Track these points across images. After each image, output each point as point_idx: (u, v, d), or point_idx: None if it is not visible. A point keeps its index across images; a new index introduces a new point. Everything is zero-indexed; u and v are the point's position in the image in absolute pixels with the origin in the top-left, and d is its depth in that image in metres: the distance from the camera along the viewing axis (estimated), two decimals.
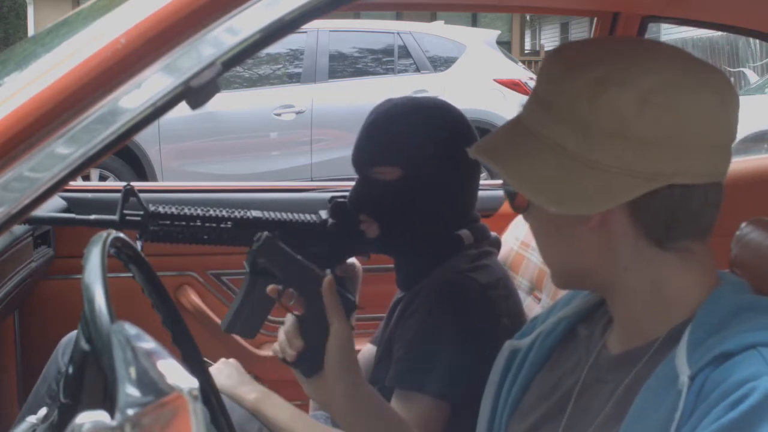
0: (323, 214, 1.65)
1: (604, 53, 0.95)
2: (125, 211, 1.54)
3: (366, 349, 1.78)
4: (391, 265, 1.72)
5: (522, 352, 1.12)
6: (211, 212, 1.58)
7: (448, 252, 1.60)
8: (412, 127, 1.56)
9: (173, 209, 1.57)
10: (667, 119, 0.88)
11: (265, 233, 1.15)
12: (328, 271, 1.16)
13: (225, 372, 1.62)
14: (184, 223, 1.56)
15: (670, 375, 0.87)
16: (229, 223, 1.58)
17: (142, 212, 1.54)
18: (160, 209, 1.56)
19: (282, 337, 1.14)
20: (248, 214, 1.60)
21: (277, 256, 1.17)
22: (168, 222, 1.55)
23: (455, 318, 1.47)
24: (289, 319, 1.15)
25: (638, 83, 0.88)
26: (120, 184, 1.63)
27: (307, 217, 1.63)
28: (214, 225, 1.58)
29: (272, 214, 1.61)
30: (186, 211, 1.57)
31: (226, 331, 1.65)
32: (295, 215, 1.62)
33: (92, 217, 1.59)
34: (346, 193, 1.63)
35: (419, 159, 1.54)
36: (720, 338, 0.86)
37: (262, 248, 1.16)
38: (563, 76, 0.93)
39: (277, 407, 1.51)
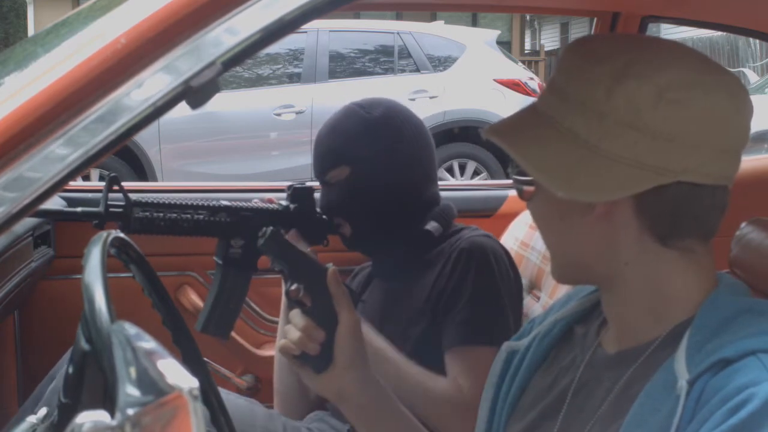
0: (283, 201, 1.77)
1: (625, 47, 0.96)
2: (109, 202, 1.59)
3: None
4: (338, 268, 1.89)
5: (520, 353, 1.12)
6: (187, 201, 1.67)
7: (419, 247, 1.73)
8: (351, 127, 1.70)
9: (153, 199, 1.65)
10: (682, 116, 0.89)
11: (270, 228, 1.16)
12: (330, 263, 1.17)
13: None
14: (161, 213, 1.62)
15: (669, 379, 0.87)
16: (203, 211, 1.67)
17: (124, 202, 1.59)
18: (141, 199, 1.63)
19: (297, 335, 1.13)
20: (219, 202, 1.70)
21: (283, 250, 1.17)
22: (149, 213, 1.60)
23: (497, 273, 1.64)
24: (297, 314, 1.14)
25: (657, 78, 0.89)
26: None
27: (272, 205, 1.76)
28: (190, 213, 1.63)
29: (242, 203, 1.73)
30: (164, 200, 1.65)
31: (202, 332, 1.68)
32: (261, 203, 1.75)
33: (79, 209, 1.64)
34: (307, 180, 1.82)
35: (364, 153, 1.68)
36: (719, 343, 0.86)
37: (268, 242, 1.15)
38: (582, 65, 0.94)
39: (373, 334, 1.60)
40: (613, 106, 0.89)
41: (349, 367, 1.12)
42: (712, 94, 0.90)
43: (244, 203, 1.73)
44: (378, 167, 1.68)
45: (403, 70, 7.60)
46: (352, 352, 1.13)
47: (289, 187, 1.77)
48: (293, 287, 1.16)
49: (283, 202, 1.76)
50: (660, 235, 0.92)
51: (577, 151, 0.91)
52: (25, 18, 17.68)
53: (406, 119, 1.74)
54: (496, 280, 1.63)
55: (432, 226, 1.72)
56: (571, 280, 1.07)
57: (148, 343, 0.64)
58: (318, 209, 1.78)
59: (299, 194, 1.76)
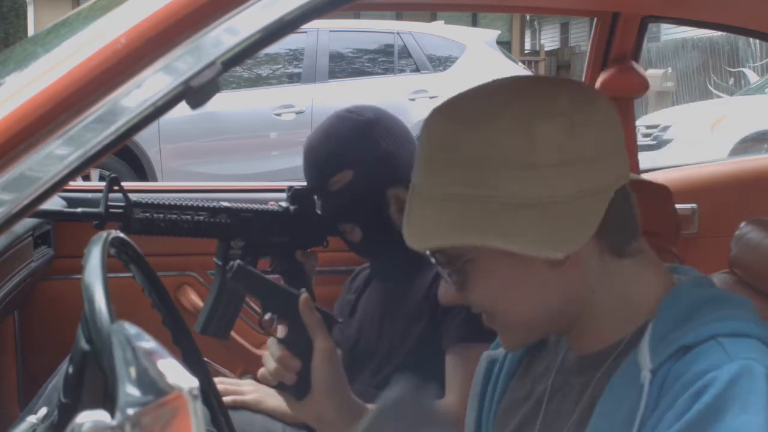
0: (283, 203, 1.76)
1: (505, 96, 0.93)
2: (109, 203, 1.59)
3: None
4: (336, 268, 2.02)
5: (499, 361, 1.12)
6: (187, 202, 1.67)
7: None
8: (346, 131, 1.69)
9: (154, 200, 1.65)
10: (594, 132, 0.90)
11: (237, 261, 1.17)
12: (302, 289, 1.18)
13: (266, 391, 1.73)
14: (162, 214, 1.62)
15: (632, 371, 0.88)
16: (203, 212, 1.67)
17: (124, 203, 1.59)
18: (141, 200, 1.63)
19: (273, 365, 1.14)
20: (220, 204, 1.70)
21: (252, 282, 1.18)
22: (149, 214, 1.60)
23: None
24: (273, 343, 1.15)
25: (558, 108, 0.89)
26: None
27: (272, 207, 1.76)
28: (190, 214, 1.63)
29: (241, 205, 1.73)
30: (165, 201, 1.65)
31: (201, 333, 1.69)
32: (262, 205, 1.74)
33: (79, 210, 1.63)
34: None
35: (363, 155, 1.68)
36: (681, 332, 0.87)
37: (236, 276, 1.17)
38: (476, 128, 0.90)
39: None
40: (537, 153, 0.88)
41: (327, 393, 1.14)
42: (596, 103, 0.92)
43: (245, 204, 1.73)
44: (379, 167, 1.68)
45: (403, 70, 7.60)
46: (329, 379, 1.14)
47: (289, 188, 1.77)
48: (266, 317, 1.17)
49: (283, 204, 1.76)
50: (615, 249, 0.93)
51: (533, 212, 0.88)
52: (25, 18, 17.68)
53: (394, 121, 1.75)
54: None
55: None
56: (534, 339, 1.04)
57: (148, 343, 0.64)
58: (318, 211, 1.78)
59: (299, 196, 1.76)
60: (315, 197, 1.78)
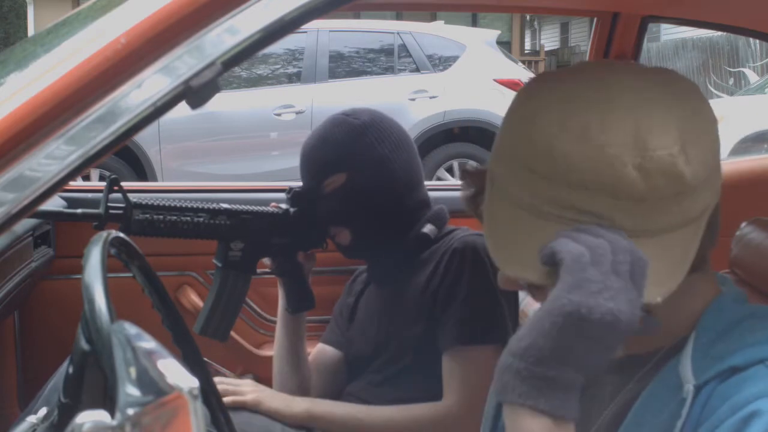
0: (283, 205, 1.77)
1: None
2: (109, 204, 1.60)
3: (318, 350, 1.86)
4: (336, 268, 2.01)
5: None
6: (187, 204, 1.67)
7: (416, 250, 1.72)
8: (342, 135, 1.70)
9: (153, 201, 1.65)
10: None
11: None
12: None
13: (265, 392, 1.74)
14: (161, 216, 1.62)
15: (672, 382, 0.87)
16: (202, 214, 1.68)
17: (124, 204, 1.59)
18: (141, 201, 1.64)
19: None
20: (219, 205, 1.71)
21: None
22: (149, 215, 1.61)
23: (491, 272, 1.62)
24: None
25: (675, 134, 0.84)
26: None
27: (272, 209, 1.76)
28: (190, 216, 1.64)
29: (241, 207, 1.73)
30: (165, 202, 1.66)
31: (200, 334, 1.69)
32: (261, 207, 1.75)
33: (79, 211, 1.63)
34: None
35: (358, 158, 1.68)
36: (726, 348, 0.85)
37: None
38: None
39: (329, 406, 1.69)
40: (649, 188, 0.83)
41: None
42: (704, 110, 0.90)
43: (245, 206, 1.73)
44: (373, 170, 1.68)
45: (403, 70, 7.60)
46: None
47: (289, 189, 1.77)
48: None
49: (283, 206, 1.76)
50: (696, 267, 0.89)
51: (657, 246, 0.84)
52: (25, 18, 17.69)
53: (391, 123, 1.75)
54: (489, 279, 1.63)
55: (428, 228, 1.73)
56: None
57: (148, 343, 0.64)
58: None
59: (299, 197, 1.75)
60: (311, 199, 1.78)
